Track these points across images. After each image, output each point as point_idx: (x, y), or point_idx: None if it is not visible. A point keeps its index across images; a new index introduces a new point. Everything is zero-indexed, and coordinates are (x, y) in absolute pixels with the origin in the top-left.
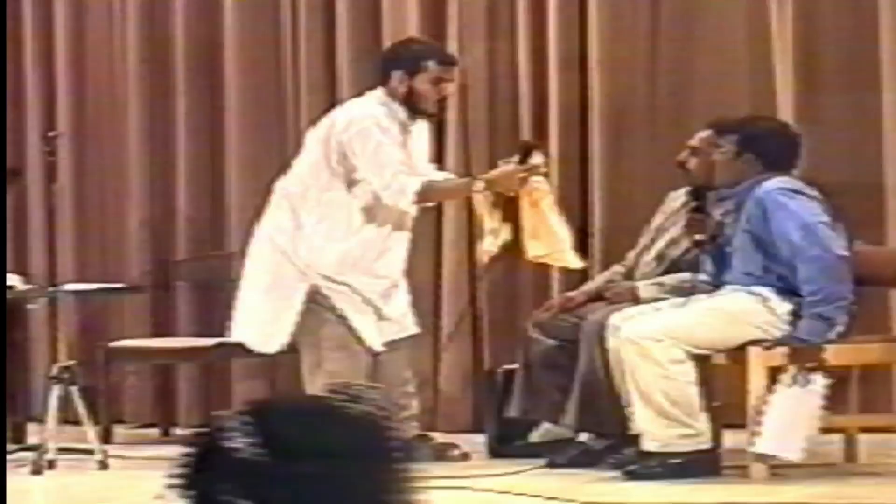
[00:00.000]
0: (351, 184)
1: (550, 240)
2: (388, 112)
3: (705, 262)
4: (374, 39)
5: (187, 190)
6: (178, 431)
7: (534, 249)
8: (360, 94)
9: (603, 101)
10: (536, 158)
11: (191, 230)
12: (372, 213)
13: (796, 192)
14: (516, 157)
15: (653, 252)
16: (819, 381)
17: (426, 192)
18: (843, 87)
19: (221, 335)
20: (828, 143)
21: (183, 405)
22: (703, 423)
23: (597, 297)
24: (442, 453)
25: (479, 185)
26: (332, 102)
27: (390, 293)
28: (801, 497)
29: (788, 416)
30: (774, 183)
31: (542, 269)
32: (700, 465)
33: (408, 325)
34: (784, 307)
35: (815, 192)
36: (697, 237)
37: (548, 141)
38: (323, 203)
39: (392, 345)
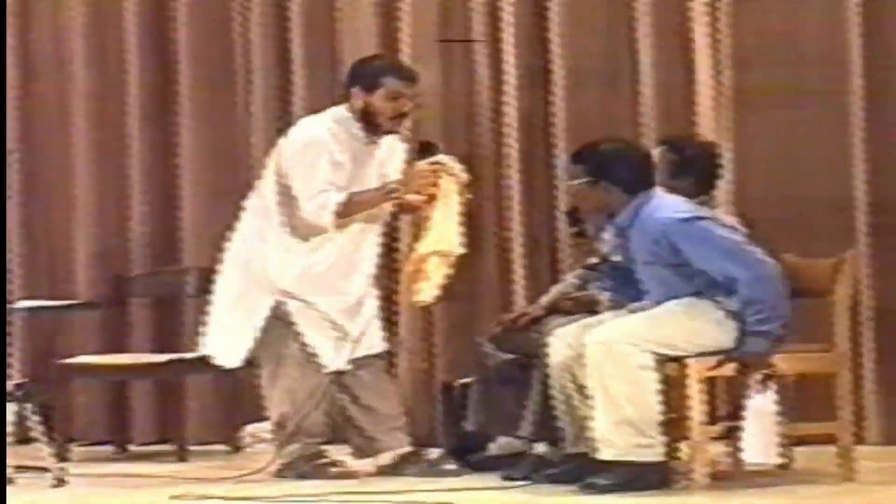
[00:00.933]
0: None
1: (444, 234)
2: (344, 129)
3: (607, 282)
4: (329, 54)
5: (141, 205)
6: (133, 448)
7: (423, 247)
8: (317, 111)
9: (568, 114)
10: (440, 156)
11: (145, 246)
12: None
13: (697, 218)
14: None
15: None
16: (776, 389)
17: (347, 206)
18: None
19: (177, 351)
20: (751, 158)
21: (138, 422)
22: (658, 434)
23: (554, 309)
24: (434, 467)
25: (393, 187)
26: (286, 120)
27: (355, 311)
28: None
29: (759, 422)
30: (667, 212)
31: (503, 281)
32: (653, 477)
33: (375, 343)
34: (731, 305)
35: (705, 211)
36: (589, 261)
37: (507, 156)
38: (285, 219)
39: (361, 362)
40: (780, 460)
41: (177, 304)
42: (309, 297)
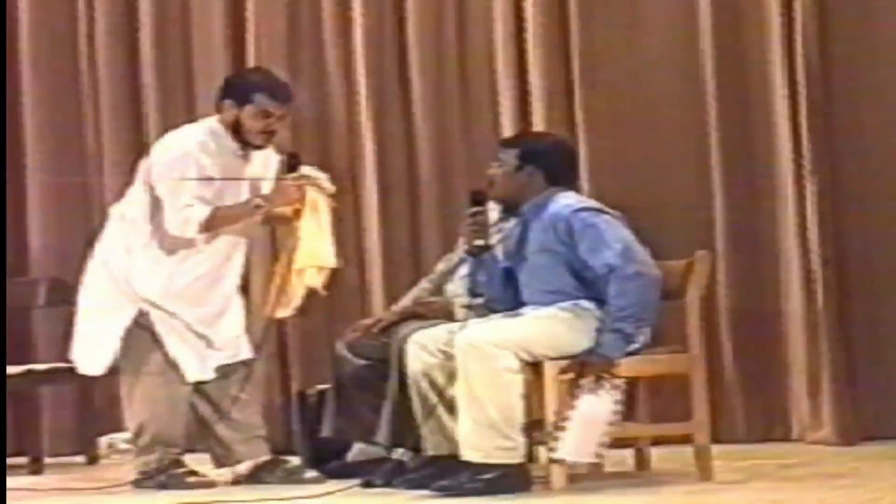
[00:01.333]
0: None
1: (317, 248)
2: (214, 140)
3: (477, 272)
4: (181, 61)
5: None
6: None
7: (299, 261)
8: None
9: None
10: (305, 169)
11: None
12: (200, 241)
13: (600, 210)
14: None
15: (462, 270)
16: (612, 391)
17: (211, 220)
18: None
19: (28, 362)
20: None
21: None
22: (520, 437)
23: (409, 314)
24: (294, 475)
25: (258, 201)
26: (136, 125)
27: (217, 320)
28: None
29: (585, 423)
30: (574, 202)
31: (360, 288)
32: (514, 480)
33: (240, 351)
34: (601, 314)
35: (612, 211)
36: (477, 242)
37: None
38: (150, 229)
39: (224, 370)
40: (594, 460)
41: (27, 315)
42: (171, 307)
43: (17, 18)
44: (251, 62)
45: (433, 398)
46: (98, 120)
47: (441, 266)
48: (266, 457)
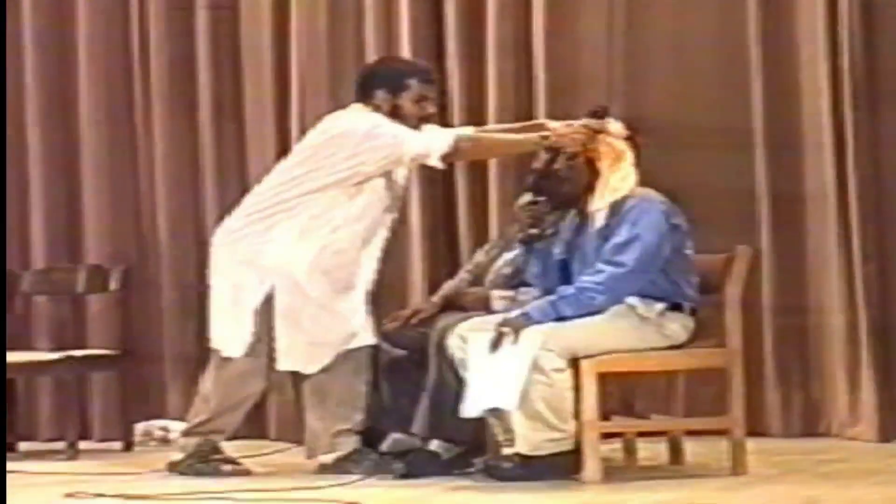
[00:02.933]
0: (338, 190)
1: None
2: None
3: (531, 262)
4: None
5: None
6: (27, 447)
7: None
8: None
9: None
10: (611, 122)
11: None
12: (350, 221)
13: (660, 203)
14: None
15: (500, 261)
16: (529, 343)
17: (473, 143)
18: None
19: (68, 348)
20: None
21: (29, 420)
22: (571, 425)
23: (447, 305)
24: (380, 466)
25: (545, 133)
26: (191, 114)
27: (345, 304)
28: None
29: (495, 373)
30: (636, 191)
31: (399, 275)
32: (560, 467)
33: (359, 338)
34: (652, 311)
35: (676, 212)
36: (532, 230)
37: None
38: (297, 211)
39: (345, 355)
40: (509, 407)
41: (71, 301)
42: (310, 285)
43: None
44: (294, 60)
45: None
46: (148, 109)
47: (479, 257)
48: (351, 448)
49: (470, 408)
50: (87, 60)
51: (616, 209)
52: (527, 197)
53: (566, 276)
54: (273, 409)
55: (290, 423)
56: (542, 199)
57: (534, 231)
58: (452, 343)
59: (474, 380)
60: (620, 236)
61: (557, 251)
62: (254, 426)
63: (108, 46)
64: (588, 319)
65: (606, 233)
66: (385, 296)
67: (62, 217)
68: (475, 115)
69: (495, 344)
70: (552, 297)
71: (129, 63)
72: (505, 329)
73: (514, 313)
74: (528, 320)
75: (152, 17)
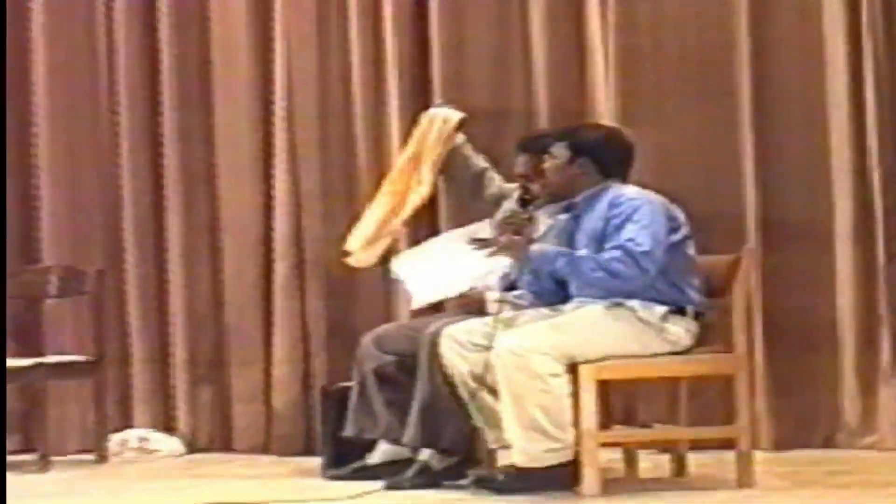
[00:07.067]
0: None
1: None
2: None
3: (522, 270)
4: (199, 48)
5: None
6: None
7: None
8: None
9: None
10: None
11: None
12: None
13: (647, 201)
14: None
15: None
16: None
17: None
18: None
19: (38, 354)
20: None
21: (10, 430)
22: (570, 434)
23: (437, 306)
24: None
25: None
26: (153, 115)
27: None
28: None
29: (440, 267)
30: (634, 192)
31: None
32: (558, 479)
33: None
34: (654, 315)
35: (676, 211)
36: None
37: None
38: None
39: None
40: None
41: (38, 305)
42: None
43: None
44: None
45: (481, 392)
46: (115, 108)
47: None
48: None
49: (398, 267)
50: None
51: (614, 209)
52: (508, 207)
53: (560, 283)
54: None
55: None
56: (521, 209)
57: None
58: (445, 347)
59: (427, 249)
60: (625, 230)
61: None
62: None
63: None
64: (586, 322)
65: (606, 231)
66: (371, 300)
67: (16, 218)
68: None
69: (480, 243)
70: (560, 250)
71: (95, 62)
72: (502, 241)
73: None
74: (526, 253)
75: (117, 13)
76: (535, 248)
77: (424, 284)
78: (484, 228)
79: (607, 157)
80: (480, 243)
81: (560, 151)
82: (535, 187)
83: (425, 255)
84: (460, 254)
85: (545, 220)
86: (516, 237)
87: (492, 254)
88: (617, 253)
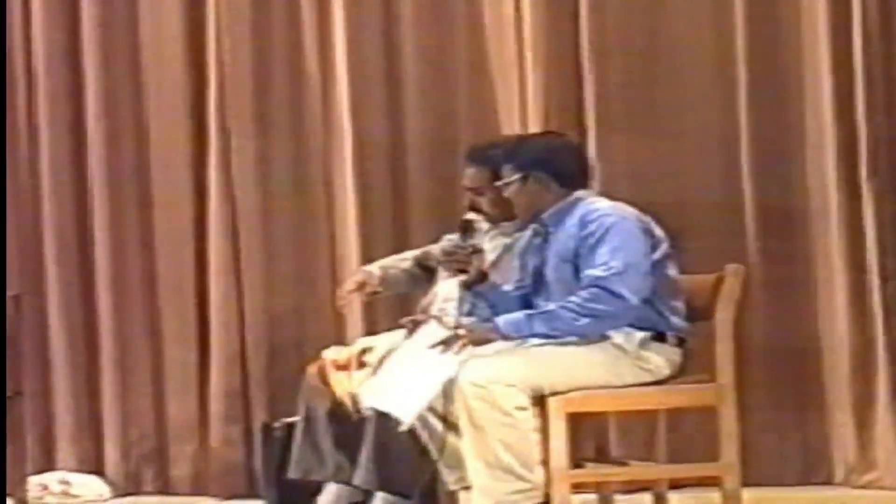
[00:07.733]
0: None
1: None
2: None
3: (474, 304)
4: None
5: None
6: None
7: None
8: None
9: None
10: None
11: None
12: None
13: (624, 218)
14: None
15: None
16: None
17: None
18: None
19: None
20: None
21: None
22: (538, 475)
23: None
24: None
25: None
26: (75, 113)
27: None
28: None
29: (409, 374)
30: (607, 206)
31: (332, 311)
32: None
33: None
34: (631, 342)
35: (654, 227)
36: (464, 278)
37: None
38: None
39: None
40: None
41: None
42: None
43: None
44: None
45: (439, 427)
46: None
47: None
48: None
49: (368, 399)
50: None
51: (585, 228)
52: (448, 241)
53: (526, 304)
54: None
55: None
56: (464, 244)
57: (464, 278)
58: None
59: (389, 370)
60: (597, 255)
61: (509, 287)
62: None
63: None
64: (555, 349)
65: (579, 252)
66: (317, 329)
67: None
68: None
69: (444, 344)
70: (530, 311)
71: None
72: (461, 332)
73: (481, 324)
74: (495, 332)
75: (36, 8)
76: (501, 322)
77: (402, 400)
78: (434, 329)
79: (558, 164)
80: (443, 346)
81: (510, 173)
82: (483, 200)
83: (387, 376)
84: (422, 358)
85: (498, 241)
86: (475, 330)
87: (459, 350)
88: (587, 293)
